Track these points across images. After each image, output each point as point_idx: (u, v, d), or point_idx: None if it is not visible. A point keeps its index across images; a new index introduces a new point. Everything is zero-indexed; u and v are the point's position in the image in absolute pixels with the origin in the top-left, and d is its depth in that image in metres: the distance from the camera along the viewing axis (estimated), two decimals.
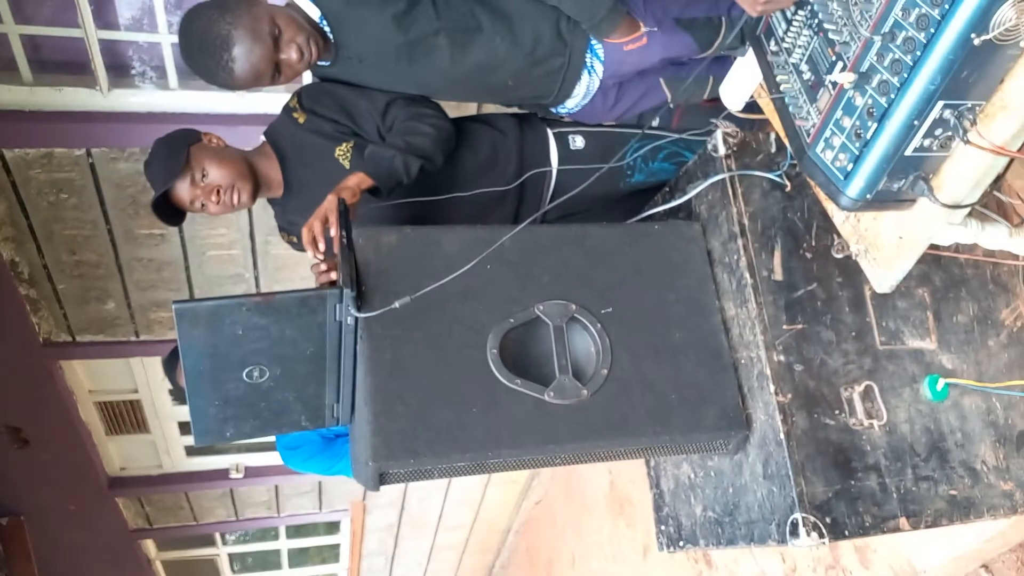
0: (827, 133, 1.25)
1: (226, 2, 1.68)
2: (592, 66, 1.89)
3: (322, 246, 1.58)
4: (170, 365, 2.34)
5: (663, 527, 1.88)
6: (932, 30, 1.04)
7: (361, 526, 6.25)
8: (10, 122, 2.88)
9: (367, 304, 1.44)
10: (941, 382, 1.60)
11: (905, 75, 1.10)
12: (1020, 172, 1.54)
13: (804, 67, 1.31)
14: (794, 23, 1.32)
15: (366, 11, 1.78)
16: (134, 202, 3.26)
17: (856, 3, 1.18)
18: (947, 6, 1.02)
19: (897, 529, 1.52)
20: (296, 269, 3.66)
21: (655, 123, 2.07)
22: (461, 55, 1.80)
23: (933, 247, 1.33)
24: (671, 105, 2.00)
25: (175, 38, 2.58)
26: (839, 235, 1.51)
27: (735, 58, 1.57)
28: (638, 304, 1.60)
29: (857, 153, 1.20)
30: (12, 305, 3.56)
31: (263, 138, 1.93)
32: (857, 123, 1.19)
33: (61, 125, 2.93)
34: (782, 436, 1.48)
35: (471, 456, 1.44)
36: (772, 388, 1.50)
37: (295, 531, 6.62)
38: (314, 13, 1.78)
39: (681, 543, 1.81)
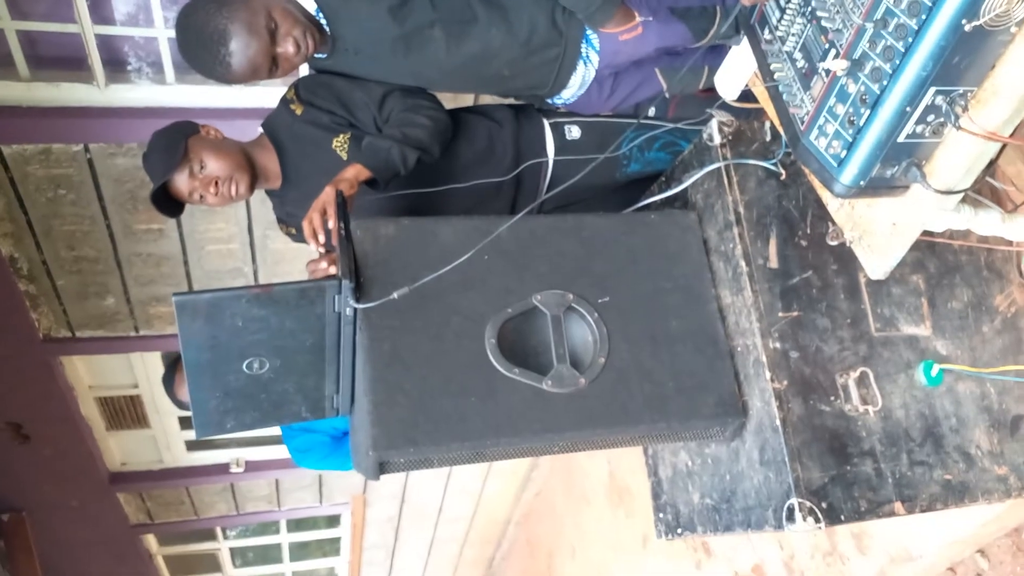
0: (821, 120, 1.26)
1: None
2: (588, 56, 1.89)
3: (322, 238, 1.59)
4: (168, 381, 2.35)
5: (661, 515, 1.89)
6: (923, 16, 1.05)
7: (362, 519, 6.27)
8: (7, 118, 2.88)
9: (365, 295, 1.45)
10: (936, 368, 1.61)
11: (897, 62, 1.10)
12: (1013, 158, 1.55)
13: (798, 55, 1.32)
14: (788, 11, 1.33)
15: (361, 4, 1.79)
16: (132, 197, 3.27)
17: None
18: None
19: (892, 514, 1.53)
20: (295, 262, 3.66)
21: (651, 113, 2.08)
22: (457, 46, 1.80)
23: (927, 234, 1.34)
24: (667, 95, 2.01)
25: (172, 33, 2.58)
26: (834, 222, 1.52)
27: (730, 47, 1.58)
28: (635, 293, 1.61)
29: (850, 140, 1.21)
30: (11, 301, 3.57)
31: (260, 130, 1.94)
32: (850, 110, 1.20)
33: (58, 121, 2.93)
34: (778, 423, 1.49)
35: (470, 444, 1.45)
36: (768, 375, 1.52)
37: (296, 525, 6.64)
38: (310, 6, 1.79)
39: (679, 530, 1.83)
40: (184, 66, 2.61)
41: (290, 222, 1.98)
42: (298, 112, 1.87)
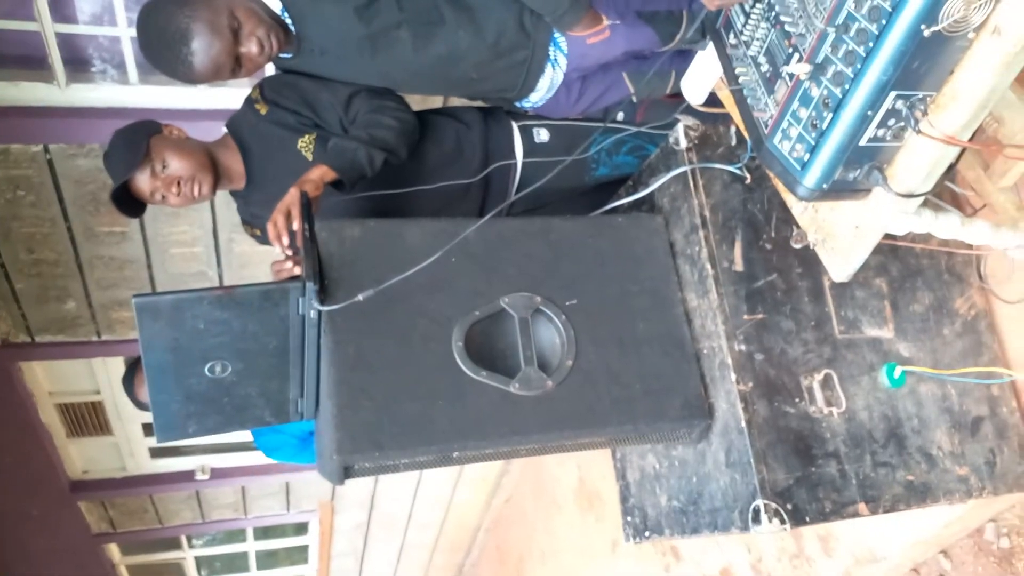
0: (784, 124, 1.28)
1: None
2: (556, 59, 1.90)
3: (287, 240, 1.57)
4: (128, 381, 2.32)
5: (629, 518, 1.89)
6: (884, 21, 1.06)
7: (330, 527, 6.21)
8: None
9: (330, 297, 1.43)
10: (898, 370, 1.63)
11: (859, 66, 1.12)
12: (972, 163, 1.58)
13: (762, 59, 1.33)
14: (752, 16, 1.34)
15: (328, 3, 1.77)
16: (94, 199, 3.20)
17: None
18: None
19: (856, 514, 1.55)
20: (261, 266, 3.62)
21: (620, 118, 2.09)
22: (424, 47, 1.79)
23: (889, 237, 1.36)
24: (634, 99, 2.02)
25: (134, 32, 2.54)
26: (798, 226, 1.53)
27: (696, 52, 1.59)
28: (602, 296, 1.62)
29: (813, 143, 1.22)
30: None
31: (224, 130, 1.91)
32: (813, 114, 1.21)
33: (17, 120, 2.87)
34: (743, 424, 1.50)
35: (437, 448, 1.44)
36: (733, 377, 1.53)
37: (263, 533, 6.55)
38: (275, 5, 1.77)
39: (647, 533, 1.83)
40: (148, 66, 2.56)
41: (255, 223, 1.96)
42: (263, 112, 1.84)
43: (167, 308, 1.35)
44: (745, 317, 1.58)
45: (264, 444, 2.59)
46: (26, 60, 2.86)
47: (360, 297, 1.37)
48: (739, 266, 1.61)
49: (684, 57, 1.84)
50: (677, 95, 1.87)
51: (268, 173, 1.86)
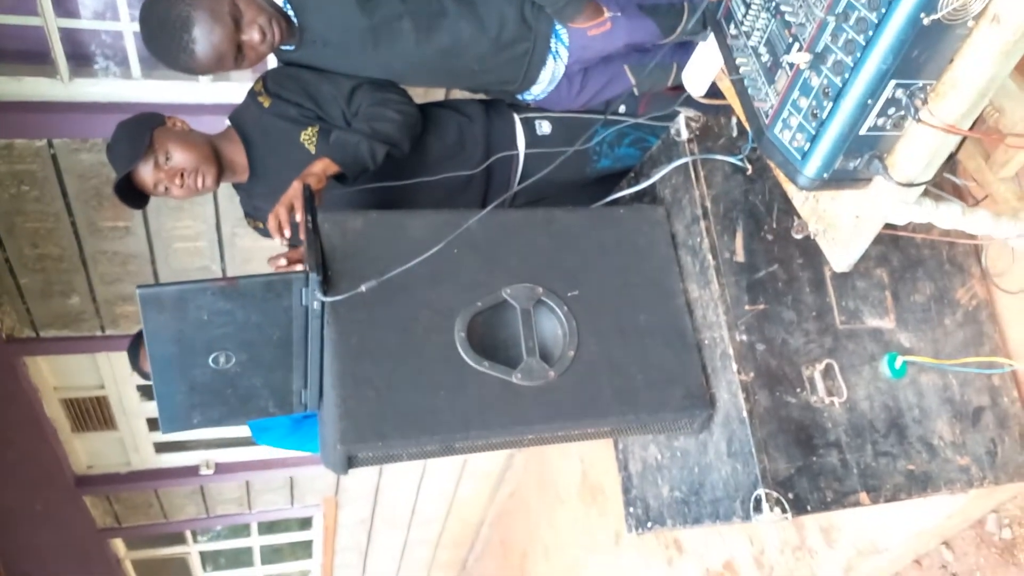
0: (785, 114, 1.28)
1: None
2: (557, 51, 1.90)
3: (288, 233, 1.57)
4: (133, 351, 2.33)
5: (631, 509, 1.90)
6: (883, 10, 1.07)
7: (334, 521, 6.22)
8: None
9: (333, 288, 1.44)
10: (899, 360, 1.63)
11: (858, 55, 1.12)
12: (973, 153, 1.58)
13: (762, 49, 1.33)
14: (752, 6, 1.34)
15: None
16: (98, 194, 3.21)
17: None
18: None
19: (857, 504, 1.55)
20: (264, 260, 3.60)
21: (622, 110, 2.09)
22: (426, 39, 1.80)
23: (890, 227, 1.36)
24: (636, 92, 2.02)
25: (137, 26, 2.54)
26: (799, 216, 1.54)
27: (697, 44, 1.59)
28: (604, 287, 1.62)
29: (814, 133, 1.22)
30: None
31: (228, 122, 1.92)
32: (813, 103, 1.22)
33: (21, 115, 2.88)
34: (745, 414, 1.50)
35: (439, 438, 1.45)
36: (735, 367, 1.53)
37: (267, 528, 6.57)
38: None
39: (649, 524, 1.84)
40: (151, 61, 2.57)
41: (257, 216, 1.97)
42: (266, 105, 1.85)
43: (171, 299, 1.36)
44: (746, 307, 1.58)
45: (255, 423, 2.56)
46: (29, 55, 2.87)
47: (363, 288, 1.38)
48: (740, 257, 1.62)
49: (685, 49, 1.84)
50: (679, 87, 1.87)
51: (271, 166, 1.87)
